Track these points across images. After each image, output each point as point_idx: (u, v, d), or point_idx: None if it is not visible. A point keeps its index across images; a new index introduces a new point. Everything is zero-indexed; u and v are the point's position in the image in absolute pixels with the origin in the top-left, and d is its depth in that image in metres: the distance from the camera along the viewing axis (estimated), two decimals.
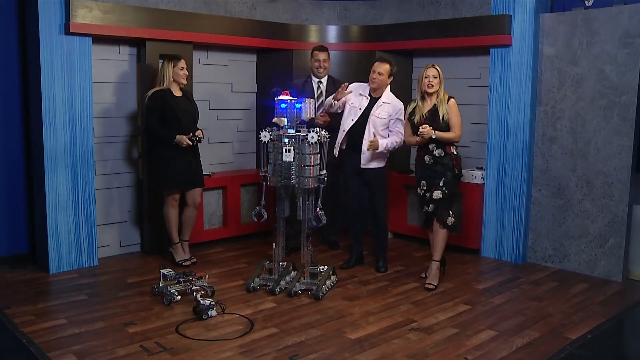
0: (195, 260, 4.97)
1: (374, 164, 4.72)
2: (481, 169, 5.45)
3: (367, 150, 4.61)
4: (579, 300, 4.27)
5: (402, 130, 4.65)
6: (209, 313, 3.79)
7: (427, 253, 4.64)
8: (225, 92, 5.85)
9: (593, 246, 4.83)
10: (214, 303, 3.83)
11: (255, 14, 5.91)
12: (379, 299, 4.24)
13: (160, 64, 4.79)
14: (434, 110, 4.38)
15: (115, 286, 4.39)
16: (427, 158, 4.42)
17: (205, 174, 5.14)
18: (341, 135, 4.78)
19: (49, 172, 4.56)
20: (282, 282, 4.34)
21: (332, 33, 6.08)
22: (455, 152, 4.43)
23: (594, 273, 4.83)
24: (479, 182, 5.33)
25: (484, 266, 5.11)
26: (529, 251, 5.22)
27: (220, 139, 5.85)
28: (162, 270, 4.17)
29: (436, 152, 4.39)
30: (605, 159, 4.72)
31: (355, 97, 4.77)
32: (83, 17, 4.55)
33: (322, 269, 4.40)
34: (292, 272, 4.50)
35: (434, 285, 4.45)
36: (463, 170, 5.27)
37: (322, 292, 4.23)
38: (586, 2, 4.86)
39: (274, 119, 4.29)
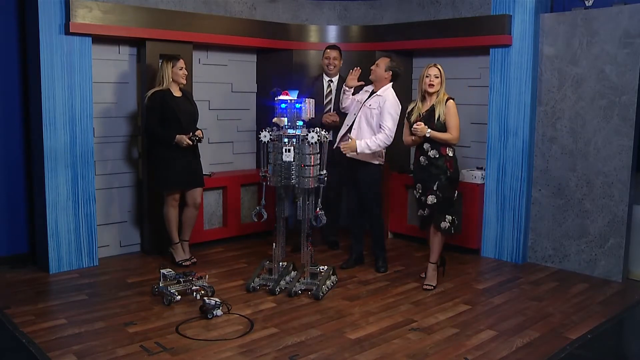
0: (195, 260, 4.97)
1: (361, 156, 4.65)
2: (481, 169, 5.45)
3: (343, 151, 4.56)
4: (579, 300, 4.27)
5: (389, 125, 4.52)
6: (214, 312, 3.79)
7: (427, 253, 4.64)
8: (225, 92, 5.85)
9: (593, 246, 4.83)
10: (219, 302, 3.83)
11: (255, 14, 5.92)
12: (379, 299, 4.24)
13: (160, 64, 4.79)
14: (431, 110, 4.35)
15: (115, 286, 4.40)
16: (422, 159, 4.39)
17: (205, 174, 5.14)
18: (343, 130, 4.82)
19: (49, 172, 4.56)
20: (282, 282, 4.34)
21: (332, 33, 6.08)
22: (450, 154, 4.37)
23: (594, 273, 4.83)
24: (479, 182, 5.33)
25: (484, 266, 5.11)
26: (529, 251, 5.22)
27: (220, 139, 5.85)
28: (162, 270, 4.17)
29: (431, 153, 4.34)
30: (605, 159, 4.72)
31: (361, 94, 4.85)
32: (83, 17, 4.55)
33: (322, 269, 4.40)
34: (292, 272, 4.50)
35: (432, 286, 4.45)
36: (463, 171, 5.29)
37: (322, 292, 4.23)
38: (586, 2, 4.86)
39: (274, 119, 4.29)
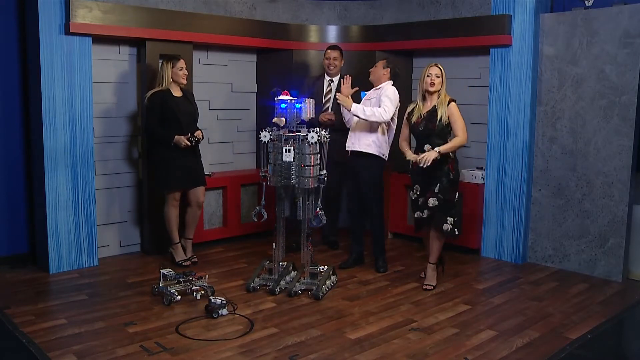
0: (196, 259, 4.97)
1: (357, 147, 4.67)
2: (481, 169, 5.45)
3: (337, 100, 4.58)
4: (579, 300, 4.27)
5: (388, 105, 4.54)
6: (220, 312, 3.79)
7: (427, 253, 4.64)
8: (225, 92, 5.85)
9: (593, 246, 4.83)
10: (225, 302, 3.83)
11: (255, 14, 5.92)
12: (379, 299, 4.24)
13: (160, 65, 4.79)
14: (433, 111, 4.30)
15: (115, 286, 4.40)
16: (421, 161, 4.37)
17: (206, 174, 5.14)
18: (350, 132, 4.83)
19: (49, 172, 4.56)
20: (282, 282, 4.34)
21: (332, 33, 6.08)
22: (452, 156, 4.35)
23: (594, 273, 4.83)
24: (479, 182, 5.33)
25: (484, 266, 5.11)
26: (529, 251, 5.22)
27: (220, 139, 5.85)
28: (162, 270, 4.17)
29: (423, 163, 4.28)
30: (605, 159, 4.72)
31: (362, 102, 4.84)
32: (83, 17, 4.55)
33: (322, 269, 4.40)
34: (292, 272, 4.50)
35: (432, 286, 4.45)
36: (463, 170, 5.29)
37: (322, 292, 4.23)
38: (586, 2, 4.86)
39: (274, 119, 4.30)
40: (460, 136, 4.27)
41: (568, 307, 4.13)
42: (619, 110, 4.63)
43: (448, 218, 4.33)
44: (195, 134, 4.73)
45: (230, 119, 5.90)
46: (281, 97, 4.27)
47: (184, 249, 5.03)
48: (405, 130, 4.52)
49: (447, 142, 4.28)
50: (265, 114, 5.38)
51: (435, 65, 4.34)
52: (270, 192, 4.88)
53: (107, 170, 5.09)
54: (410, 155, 4.37)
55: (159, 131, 4.69)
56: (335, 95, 5.18)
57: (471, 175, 5.37)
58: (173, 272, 4.19)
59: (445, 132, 4.29)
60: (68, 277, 4.57)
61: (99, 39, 4.81)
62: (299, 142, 4.22)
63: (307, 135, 4.19)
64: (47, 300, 4.14)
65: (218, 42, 5.43)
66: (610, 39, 4.63)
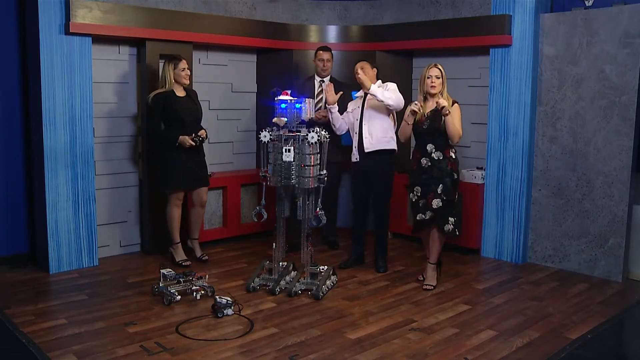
0: (207, 258, 5.01)
1: (377, 146, 4.68)
2: (481, 169, 5.45)
3: (358, 77, 4.59)
4: (579, 300, 4.27)
5: (397, 91, 4.61)
6: (225, 311, 3.79)
7: (426, 254, 4.63)
8: (225, 92, 5.85)
9: (593, 246, 4.83)
10: (231, 302, 3.83)
11: (255, 14, 5.92)
12: (379, 299, 4.24)
13: (162, 65, 4.80)
14: (436, 110, 4.29)
15: (115, 286, 4.40)
16: (424, 161, 4.33)
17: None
18: (355, 139, 4.79)
19: (49, 172, 4.56)
20: (282, 282, 4.34)
21: (332, 33, 6.08)
22: (454, 156, 4.36)
23: (594, 273, 4.83)
24: (479, 182, 5.33)
25: (484, 266, 5.11)
26: (529, 251, 5.22)
27: (220, 139, 5.85)
28: (162, 270, 4.17)
29: (435, 155, 4.29)
30: (605, 159, 4.72)
31: (352, 104, 4.89)
32: (83, 17, 4.55)
33: (322, 269, 4.40)
34: (292, 272, 4.50)
35: (432, 286, 4.45)
36: (463, 171, 5.30)
37: (322, 292, 4.23)
38: (586, 2, 4.86)
39: (274, 119, 4.29)
40: (458, 130, 4.30)
41: (568, 307, 4.13)
42: (619, 110, 4.63)
43: (449, 218, 4.33)
44: (199, 134, 4.73)
45: (230, 119, 5.90)
46: (281, 97, 4.27)
47: (193, 250, 5.06)
48: (406, 128, 4.48)
49: (448, 141, 4.30)
50: (265, 114, 5.38)
51: (435, 66, 4.33)
52: (270, 192, 4.88)
53: (107, 170, 5.09)
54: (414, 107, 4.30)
55: (163, 132, 4.70)
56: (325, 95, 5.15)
57: (471, 175, 5.37)
58: (173, 272, 4.19)
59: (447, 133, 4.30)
60: (68, 277, 4.57)
61: (99, 39, 4.81)
62: (299, 142, 4.22)
63: (307, 135, 4.19)
64: (47, 300, 4.14)
65: (218, 42, 5.43)
66: (610, 39, 4.63)
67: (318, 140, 4.17)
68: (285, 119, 4.25)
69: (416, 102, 4.32)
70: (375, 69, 4.82)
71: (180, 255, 4.91)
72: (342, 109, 4.93)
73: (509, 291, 4.45)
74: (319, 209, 4.26)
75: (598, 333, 3.70)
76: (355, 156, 4.80)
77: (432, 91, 4.31)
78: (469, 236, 5.35)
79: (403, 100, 4.64)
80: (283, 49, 5.86)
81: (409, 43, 5.74)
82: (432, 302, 4.18)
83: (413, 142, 4.64)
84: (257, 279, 4.39)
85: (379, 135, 4.70)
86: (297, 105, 4.25)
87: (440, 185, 4.29)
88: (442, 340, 3.53)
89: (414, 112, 4.29)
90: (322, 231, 5.54)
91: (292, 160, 4.22)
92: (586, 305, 4.18)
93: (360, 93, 4.81)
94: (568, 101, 4.91)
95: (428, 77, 4.31)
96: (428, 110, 4.35)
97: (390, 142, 4.74)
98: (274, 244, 4.40)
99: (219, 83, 5.77)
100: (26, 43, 4.72)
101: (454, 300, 4.23)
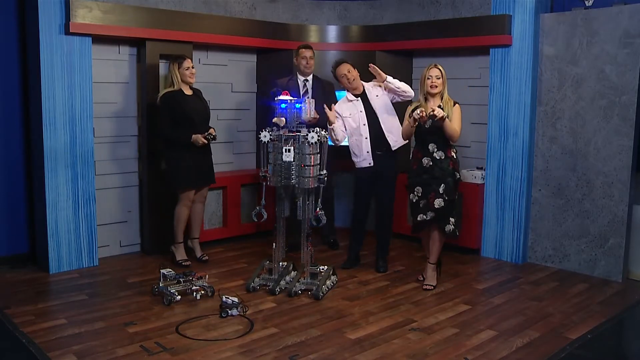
0: (207, 258, 5.02)
1: (400, 142, 4.69)
2: (481, 169, 5.45)
3: (372, 69, 4.58)
4: (579, 300, 4.27)
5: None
6: (230, 312, 3.79)
7: (426, 254, 4.63)
8: (225, 92, 5.85)
9: (593, 246, 4.83)
10: (237, 302, 3.82)
11: (255, 14, 5.92)
12: (379, 299, 4.24)
13: (168, 66, 4.83)
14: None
15: (115, 286, 4.40)
16: (425, 160, 4.32)
17: None
18: (366, 144, 4.69)
19: (49, 172, 4.56)
20: (282, 282, 4.34)
21: (332, 33, 6.08)
22: (455, 156, 4.36)
23: (594, 273, 4.83)
24: (479, 182, 5.33)
25: (484, 266, 5.11)
26: (529, 251, 5.22)
27: (220, 139, 5.83)
28: (162, 270, 4.17)
29: (436, 155, 4.29)
30: (605, 159, 4.72)
31: (346, 109, 4.75)
32: (83, 17, 4.55)
33: (322, 269, 4.40)
34: (292, 272, 4.50)
35: (432, 286, 4.45)
36: (463, 171, 5.29)
37: (322, 292, 4.23)
38: (586, 2, 4.86)
39: (274, 119, 4.29)
40: (457, 130, 4.30)
41: (568, 307, 4.13)
42: (619, 110, 4.63)
43: (450, 219, 4.33)
44: (209, 132, 4.76)
45: (230, 119, 5.90)
46: (281, 97, 4.27)
47: (193, 250, 5.05)
48: (407, 128, 4.46)
49: (449, 141, 4.30)
50: (265, 114, 5.38)
51: (435, 66, 4.32)
52: (270, 192, 4.88)
53: (107, 170, 5.09)
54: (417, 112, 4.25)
55: (173, 132, 4.72)
56: (311, 94, 5.07)
57: (471, 175, 5.37)
58: (173, 272, 4.19)
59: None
60: (68, 277, 4.57)
61: (99, 39, 4.80)
62: (299, 142, 4.22)
63: (307, 135, 4.18)
64: (47, 300, 4.14)
65: (218, 42, 5.43)
66: (610, 39, 4.63)
67: (318, 140, 4.17)
68: (284, 119, 4.24)
69: (421, 109, 4.23)
70: (356, 69, 4.76)
71: (181, 255, 4.91)
72: (328, 106, 4.75)
73: (509, 291, 4.45)
74: (319, 208, 4.26)
75: (598, 333, 3.70)
76: (368, 161, 4.70)
77: (433, 91, 4.30)
78: (469, 236, 5.35)
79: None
80: (283, 49, 5.86)
81: (409, 43, 5.74)
82: (432, 302, 4.18)
83: (412, 142, 4.63)
84: (257, 279, 4.39)
85: (396, 132, 4.68)
86: (297, 105, 4.25)
87: (442, 185, 4.28)
88: (442, 340, 3.53)
89: (417, 119, 4.25)
90: (322, 231, 5.53)
91: (292, 160, 4.22)
92: (586, 305, 4.18)
93: (350, 96, 4.76)
94: (568, 101, 4.91)
95: (428, 78, 4.30)
96: (429, 110, 4.34)
97: (399, 141, 4.74)
98: (274, 244, 4.40)
99: (219, 83, 5.77)
100: (26, 43, 4.72)
101: (454, 300, 4.23)
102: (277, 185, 4.33)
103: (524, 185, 5.09)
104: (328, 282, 4.37)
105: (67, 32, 4.52)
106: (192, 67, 4.77)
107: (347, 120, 4.74)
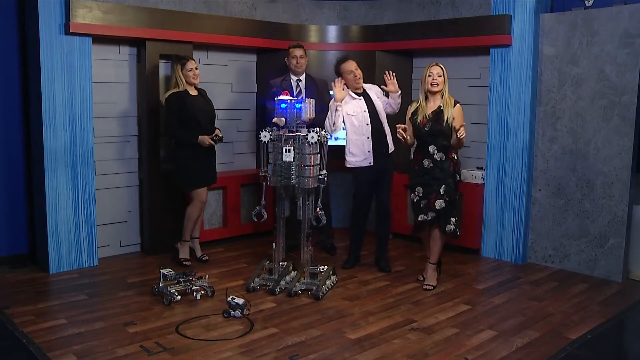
0: (207, 258, 5.04)
1: (392, 148, 4.80)
2: (481, 169, 5.46)
3: (391, 77, 4.66)
4: (579, 300, 4.27)
5: None
6: (231, 312, 3.78)
7: (426, 254, 4.63)
8: (225, 92, 5.85)
9: (593, 246, 4.83)
10: (242, 303, 3.81)
11: (255, 14, 5.92)
12: (379, 299, 4.24)
13: (171, 67, 4.86)
14: (439, 112, 4.27)
15: (115, 286, 4.40)
16: (426, 162, 4.31)
17: None
18: (368, 144, 4.67)
19: (49, 172, 4.56)
20: (282, 282, 4.34)
21: (332, 33, 6.08)
22: (456, 157, 4.35)
23: (594, 273, 4.83)
24: (479, 182, 5.33)
25: (484, 266, 5.11)
26: (529, 251, 5.22)
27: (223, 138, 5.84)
28: (162, 270, 4.16)
29: (437, 156, 4.27)
30: (605, 159, 4.72)
31: (350, 107, 4.71)
32: (83, 17, 4.55)
33: (322, 269, 4.40)
34: (292, 272, 4.50)
35: (432, 286, 4.45)
36: (463, 170, 5.29)
37: (322, 292, 4.23)
38: (586, 2, 4.86)
39: (274, 119, 4.29)
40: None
41: (568, 307, 4.13)
42: (619, 110, 4.63)
43: (451, 219, 4.33)
44: (216, 133, 4.79)
45: (230, 119, 5.90)
46: (281, 97, 4.27)
47: (193, 249, 5.06)
48: (409, 130, 4.46)
49: (450, 142, 4.28)
50: (265, 114, 5.37)
51: (436, 64, 4.31)
52: (270, 192, 4.88)
53: (107, 170, 5.09)
54: (400, 128, 4.28)
55: (181, 133, 4.74)
56: (305, 93, 5.02)
57: (471, 175, 5.37)
58: (173, 272, 4.18)
59: (450, 132, 4.27)
60: (68, 277, 4.57)
61: (99, 39, 4.80)
62: (299, 142, 4.22)
63: (307, 135, 4.18)
64: (47, 300, 4.14)
65: (218, 42, 5.43)
66: (610, 39, 4.63)
67: (318, 140, 4.17)
68: (284, 119, 4.24)
69: (402, 127, 4.24)
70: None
71: (184, 254, 4.92)
72: (323, 106, 4.78)
73: (509, 291, 4.45)
74: (319, 208, 4.26)
75: (598, 333, 3.70)
76: (368, 160, 4.69)
77: (434, 90, 4.28)
78: (469, 236, 5.35)
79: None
80: (283, 49, 5.85)
81: (408, 43, 5.73)
82: (432, 302, 4.18)
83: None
84: (257, 279, 4.39)
85: (388, 138, 4.77)
86: (297, 105, 4.25)
87: (443, 185, 4.27)
88: (442, 340, 3.53)
89: (402, 136, 4.27)
90: (320, 234, 5.43)
91: (292, 160, 4.22)
92: (586, 305, 4.18)
93: (353, 94, 4.75)
94: (568, 101, 4.91)
95: (429, 75, 4.27)
96: (430, 111, 4.32)
97: (391, 145, 4.84)
98: (274, 244, 4.40)
99: (219, 83, 5.77)
100: (26, 43, 4.71)
101: (454, 300, 4.23)
102: (277, 185, 4.33)
103: (524, 185, 5.10)
104: (328, 282, 4.37)
105: (67, 32, 4.52)
106: (196, 69, 4.78)
107: (350, 118, 4.71)
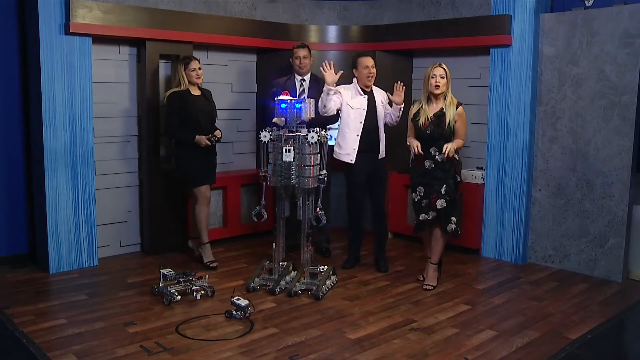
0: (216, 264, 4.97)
1: (384, 153, 4.79)
2: (481, 169, 5.46)
3: (401, 104, 4.63)
4: (579, 300, 4.27)
5: None
6: (233, 313, 3.77)
7: (427, 254, 4.63)
8: (225, 92, 5.85)
9: (593, 246, 4.83)
10: (244, 305, 3.78)
11: (255, 14, 5.92)
12: (379, 299, 4.24)
13: (176, 66, 4.87)
14: (441, 114, 4.26)
15: (115, 286, 4.40)
16: (427, 163, 4.30)
17: None
18: (355, 140, 4.67)
19: (49, 172, 4.56)
20: (282, 282, 4.34)
21: (332, 33, 6.08)
22: (457, 158, 4.35)
23: (594, 273, 4.83)
24: (479, 182, 5.33)
25: (484, 266, 5.11)
26: (529, 251, 5.22)
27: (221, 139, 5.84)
28: (162, 270, 4.16)
29: (438, 157, 4.26)
30: (605, 159, 4.72)
31: (351, 99, 4.71)
32: (83, 17, 4.55)
33: (322, 269, 4.40)
34: (292, 272, 4.50)
35: (432, 286, 4.45)
36: (463, 170, 5.28)
37: (322, 292, 4.23)
38: (586, 2, 4.86)
39: (274, 119, 4.29)
40: (463, 139, 4.35)
41: (568, 307, 4.13)
42: (619, 110, 4.63)
43: (452, 218, 4.33)
44: (214, 134, 4.77)
45: (230, 119, 5.90)
46: (281, 97, 4.27)
47: (193, 250, 5.05)
48: (410, 131, 4.45)
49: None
50: (265, 114, 5.38)
51: (440, 65, 4.27)
52: (270, 192, 4.88)
53: (107, 170, 5.09)
54: (415, 143, 4.28)
55: (179, 132, 4.74)
56: (308, 93, 5.02)
57: (471, 175, 5.37)
58: (173, 272, 4.18)
59: (451, 135, 4.28)
60: (68, 277, 4.57)
61: (99, 39, 4.80)
62: (299, 142, 4.22)
63: (307, 135, 4.18)
64: (47, 300, 4.14)
65: (218, 42, 5.43)
66: (610, 39, 4.63)
67: (318, 140, 4.17)
68: (284, 119, 4.24)
69: (417, 143, 4.28)
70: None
71: (208, 256, 4.90)
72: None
73: (509, 291, 4.45)
74: (319, 208, 4.26)
75: (598, 333, 3.70)
76: (350, 157, 4.67)
77: (436, 91, 4.26)
78: (469, 236, 5.34)
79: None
80: (283, 49, 5.86)
81: (408, 43, 5.73)
82: (432, 302, 4.18)
83: None
84: (257, 279, 4.39)
85: (382, 144, 4.76)
86: (297, 105, 4.25)
87: (444, 185, 4.27)
88: (442, 340, 3.53)
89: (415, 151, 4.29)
90: (315, 237, 5.36)
91: (292, 160, 4.22)
92: (586, 305, 4.18)
93: (359, 90, 4.75)
94: (568, 101, 4.91)
95: (432, 77, 4.24)
96: (432, 113, 4.30)
97: (383, 151, 4.84)
98: (274, 244, 4.40)
99: (219, 83, 5.77)
100: (26, 43, 4.71)
101: (454, 300, 4.23)
102: (277, 185, 4.33)
103: (524, 185, 5.09)
104: (328, 282, 4.37)
105: (67, 32, 4.52)
106: (199, 69, 4.78)
107: (348, 108, 4.69)
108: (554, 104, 4.99)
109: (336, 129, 4.95)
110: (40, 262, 4.76)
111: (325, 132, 4.26)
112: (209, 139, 4.71)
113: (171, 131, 4.79)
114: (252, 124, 6.08)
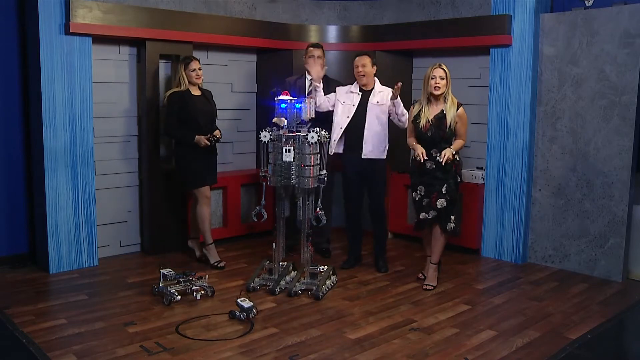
0: (205, 259, 4.99)
1: (375, 154, 4.70)
2: (481, 169, 5.46)
3: (395, 98, 4.54)
4: (579, 300, 4.27)
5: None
6: (236, 314, 3.77)
7: (426, 253, 4.63)
8: (225, 92, 5.85)
9: (593, 246, 4.83)
10: (248, 307, 3.78)
11: (255, 14, 5.92)
12: (379, 299, 4.24)
13: (177, 66, 4.87)
14: (442, 117, 4.25)
15: (115, 286, 4.40)
16: (428, 164, 4.29)
17: None
18: (338, 133, 4.75)
19: (49, 172, 4.56)
20: (282, 282, 4.34)
21: (332, 33, 6.08)
22: (457, 158, 4.35)
23: (594, 273, 4.83)
24: (479, 182, 5.33)
25: (484, 266, 5.11)
26: (529, 251, 5.22)
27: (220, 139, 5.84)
28: (162, 270, 4.17)
29: (439, 158, 4.25)
30: (605, 159, 4.72)
31: (345, 95, 4.79)
32: (83, 17, 4.55)
33: (322, 269, 4.40)
34: (292, 272, 4.50)
35: (432, 286, 4.45)
36: (463, 170, 5.28)
37: (322, 292, 4.23)
38: (586, 2, 4.86)
39: (274, 119, 4.29)
40: (464, 140, 4.36)
41: (568, 307, 4.13)
42: (619, 110, 4.63)
43: (451, 217, 4.34)
44: (214, 134, 4.77)
45: (230, 119, 5.90)
46: (281, 97, 4.27)
47: (193, 250, 5.06)
48: (411, 132, 4.46)
49: (452, 144, 4.29)
50: (265, 114, 5.38)
51: (439, 66, 4.26)
52: (270, 192, 4.88)
53: (107, 170, 5.09)
54: (420, 149, 4.27)
55: (179, 132, 4.74)
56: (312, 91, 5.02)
57: (471, 175, 5.37)
58: (173, 272, 4.19)
59: (452, 136, 4.29)
60: (68, 277, 4.57)
61: (99, 39, 4.80)
62: (299, 142, 4.22)
63: (307, 135, 4.18)
64: (47, 300, 4.14)
65: (218, 42, 5.43)
66: (610, 39, 4.63)
67: (318, 140, 4.17)
68: (285, 119, 4.24)
69: (422, 150, 4.26)
70: (375, 67, 4.78)
71: (214, 257, 4.90)
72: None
73: (509, 291, 4.45)
74: (319, 208, 4.26)
75: (598, 333, 3.70)
76: (331, 149, 4.71)
77: (436, 92, 4.25)
78: (469, 236, 5.35)
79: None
80: (283, 49, 5.86)
81: (408, 43, 5.73)
82: (432, 302, 4.18)
83: None
84: (257, 279, 4.39)
85: (376, 143, 4.69)
86: (297, 105, 4.25)
87: (445, 185, 4.28)
88: (442, 340, 3.53)
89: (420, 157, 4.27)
90: (315, 237, 5.36)
91: (292, 160, 4.23)
92: (586, 305, 4.18)
93: (355, 87, 4.76)
94: (568, 101, 4.91)
95: (432, 78, 4.23)
96: (432, 115, 4.29)
97: (384, 152, 4.76)
98: (274, 244, 4.40)
99: (219, 83, 5.77)
100: (26, 43, 4.71)
101: (454, 300, 4.23)
102: (277, 185, 4.33)
103: (524, 185, 5.09)
104: (328, 282, 4.38)
105: (67, 32, 4.52)
106: (199, 69, 4.78)
107: (339, 104, 4.79)
108: (554, 104, 4.99)
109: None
110: (40, 262, 4.76)
111: (325, 132, 4.26)
112: (208, 139, 4.71)
113: (171, 131, 4.79)
114: (252, 124, 6.08)
